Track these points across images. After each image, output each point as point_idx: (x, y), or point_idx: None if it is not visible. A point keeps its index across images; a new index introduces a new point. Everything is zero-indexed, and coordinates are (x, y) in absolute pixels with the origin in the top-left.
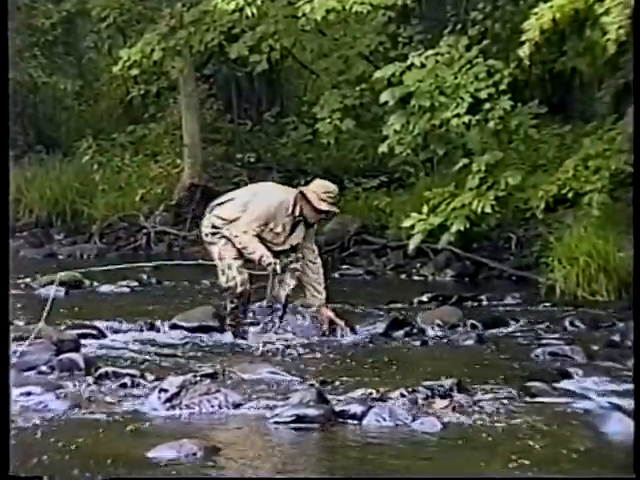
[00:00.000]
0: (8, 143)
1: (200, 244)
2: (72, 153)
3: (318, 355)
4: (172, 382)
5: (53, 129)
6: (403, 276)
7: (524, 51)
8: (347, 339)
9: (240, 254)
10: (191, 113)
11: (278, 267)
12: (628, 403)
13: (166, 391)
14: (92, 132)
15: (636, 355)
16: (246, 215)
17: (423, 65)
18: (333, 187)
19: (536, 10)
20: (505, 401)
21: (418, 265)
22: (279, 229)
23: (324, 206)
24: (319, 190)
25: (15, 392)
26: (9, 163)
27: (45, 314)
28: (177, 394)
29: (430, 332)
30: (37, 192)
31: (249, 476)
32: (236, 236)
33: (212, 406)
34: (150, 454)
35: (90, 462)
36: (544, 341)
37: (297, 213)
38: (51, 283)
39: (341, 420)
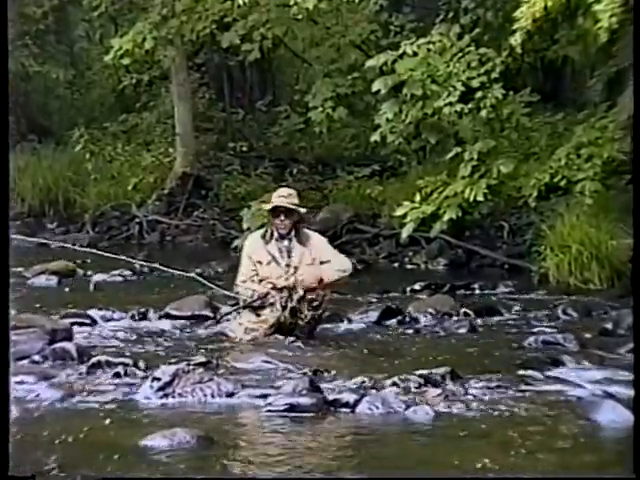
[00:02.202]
0: (8, 140)
1: (193, 233)
2: (64, 142)
3: (311, 343)
4: (165, 371)
5: (45, 118)
6: (395, 265)
7: (516, 39)
8: (340, 328)
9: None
10: (183, 102)
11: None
12: (620, 391)
13: (159, 380)
14: (84, 121)
15: (636, 355)
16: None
17: (415, 54)
18: (284, 190)
19: None
20: (498, 389)
21: (410, 254)
22: (268, 258)
23: (267, 205)
24: (272, 197)
25: None
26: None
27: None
28: (170, 383)
29: (423, 321)
30: (29, 181)
31: (249, 476)
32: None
33: (205, 395)
34: (143, 443)
35: (83, 451)
36: (537, 329)
37: (269, 235)
38: (43, 272)
39: (334, 409)
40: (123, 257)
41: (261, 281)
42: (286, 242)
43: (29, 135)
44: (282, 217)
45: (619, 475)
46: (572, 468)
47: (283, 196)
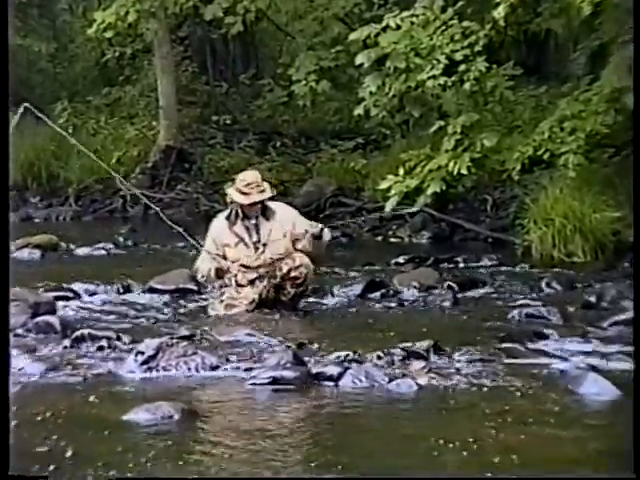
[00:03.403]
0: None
1: (176, 206)
2: (47, 116)
3: (295, 317)
4: (149, 344)
5: (28, 92)
6: (379, 238)
7: (499, 12)
8: (324, 301)
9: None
10: (166, 75)
11: (213, 272)
12: (603, 363)
13: (143, 353)
14: (67, 95)
15: (636, 350)
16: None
17: (398, 27)
18: (250, 176)
19: None
20: (481, 362)
21: (394, 227)
22: (235, 240)
23: (239, 198)
24: (237, 184)
25: None
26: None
27: None
28: (154, 356)
29: (406, 294)
30: (12, 155)
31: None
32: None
33: (189, 368)
34: (126, 417)
35: (66, 425)
36: (520, 302)
37: (234, 215)
38: (26, 246)
39: (317, 382)
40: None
41: (233, 263)
42: (253, 220)
43: (11, 108)
44: (257, 206)
45: (619, 475)
46: (554, 440)
47: (257, 186)
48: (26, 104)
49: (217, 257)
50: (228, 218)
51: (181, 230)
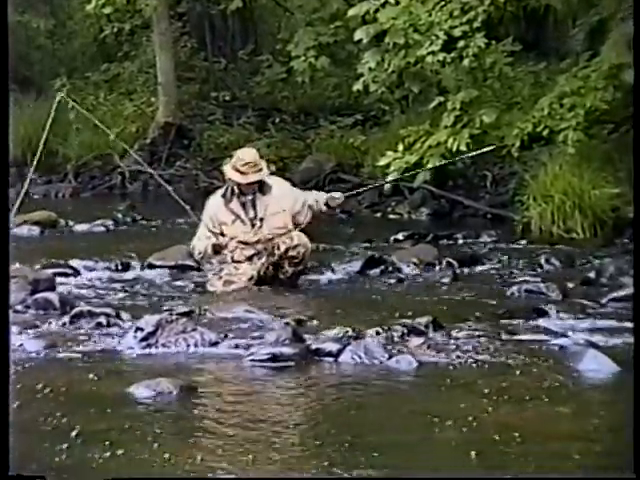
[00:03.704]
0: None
1: (175, 183)
2: (46, 92)
3: (294, 293)
4: (148, 321)
5: (26, 68)
6: (378, 215)
7: None
8: (323, 277)
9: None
10: (165, 51)
11: (209, 248)
12: (603, 340)
13: (142, 330)
14: (66, 71)
15: (635, 326)
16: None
17: (397, 2)
18: (247, 154)
19: None
20: (481, 339)
21: (393, 203)
22: (232, 218)
23: (236, 177)
24: (235, 162)
25: None
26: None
27: None
28: (153, 333)
29: (406, 270)
30: (11, 131)
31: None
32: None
33: (188, 345)
34: (126, 393)
35: (66, 401)
36: (520, 279)
37: (230, 193)
38: (25, 223)
39: (317, 358)
40: None
41: (231, 239)
42: (249, 196)
43: (10, 85)
44: (253, 185)
45: (619, 475)
46: (553, 416)
47: (254, 165)
48: (62, 94)
49: (214, 234)
50: (224, 196)
51: (188, 208)
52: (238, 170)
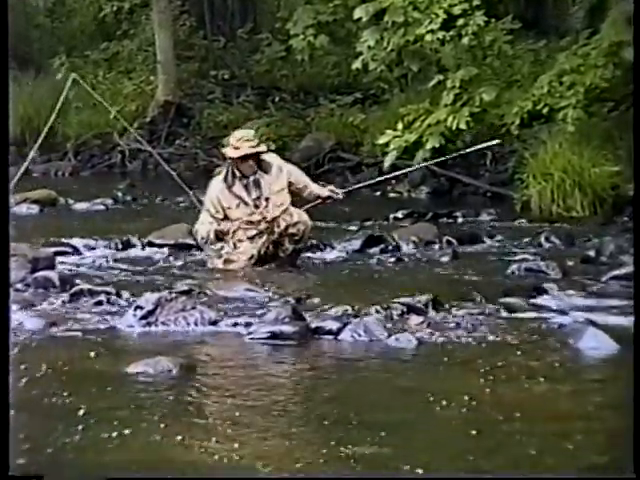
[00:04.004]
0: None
1: (175, 161)
2: (45, 70)
3: (294, 272)
4: (148, 299)
5: (26, 46)
6: (378, 193)
7: None
8: (323, 256)
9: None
10: (164, 30)
11: (212, 234)
12: (602, 318)
13: (142, 308)
14: (65, 49)
15: (635, 304)
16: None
17: None
18: (242, 131)
19: None
20: (480, 317)
21: (393, 182)
22: (235, 202)
23: (231, 152)
24: (232, 141)
25: None
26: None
27: None
28: (153, 311)
29: (405, 249)
30: (10, 110)
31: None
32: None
33: (188, 323)
34: (126, 371)
35: (66, 379)
36: (519, 257)
37: (231, 176)
38: (25, 201)
39: (317, 336)
40: None
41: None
42: (251, 177)
43: (9, 63)
44: (250, 162)
45: (619, 475)
46: (553, 394)
47: (248, 140)
48: (74, 75)
49: (216, 219)
50: (225, 180)
51: (191, 193)
52: (233, 146)
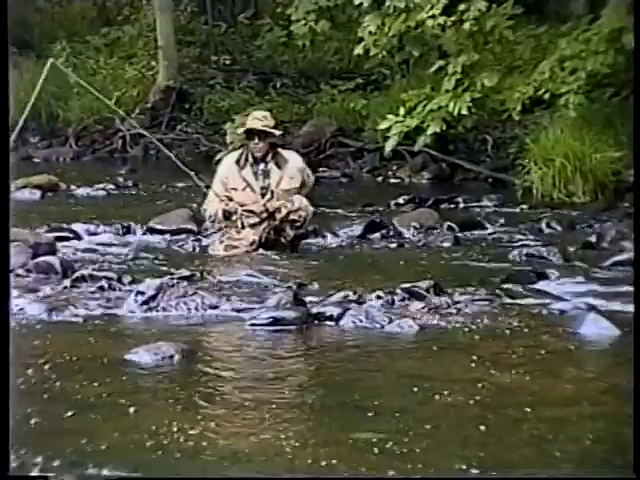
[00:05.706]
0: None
1: (176, 147)
2: (46, 55)
3: (295, 258)
4: (149, 285)
5: (26, 31)
6: (379, 179)
7: None
8: (324, 242)
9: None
10: (165, 15)
11: (220, 213)
12: (603, 303)
13: (143, 294)
14: (65, 34)
15: (636, 290)
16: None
17: None
18: (259, 112)
19: None
20: (482, 303)
21: (394, 167)
22: (243, 185)
23: (246, 126)
24: (247, 120)
25: None
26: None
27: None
28: (154, 297)
29: (407, 234)
30: (11, 95)
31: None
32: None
33: (189, 309)
34: (127, 356)
35: (67, 365)
36: (521, 243)
37: (244, 159)
38: (26, 186)
39: (318, 322)
40: None
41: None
42: (262, 165)
43: (10, 48)
44: (256, 140)
45: (619, 475)
46: (554, 380)
47: (258, 119)
48: (52, 60)
49: (224, 199)
50: (238, 162)
51: (193, 175)
52: (244, 124)
